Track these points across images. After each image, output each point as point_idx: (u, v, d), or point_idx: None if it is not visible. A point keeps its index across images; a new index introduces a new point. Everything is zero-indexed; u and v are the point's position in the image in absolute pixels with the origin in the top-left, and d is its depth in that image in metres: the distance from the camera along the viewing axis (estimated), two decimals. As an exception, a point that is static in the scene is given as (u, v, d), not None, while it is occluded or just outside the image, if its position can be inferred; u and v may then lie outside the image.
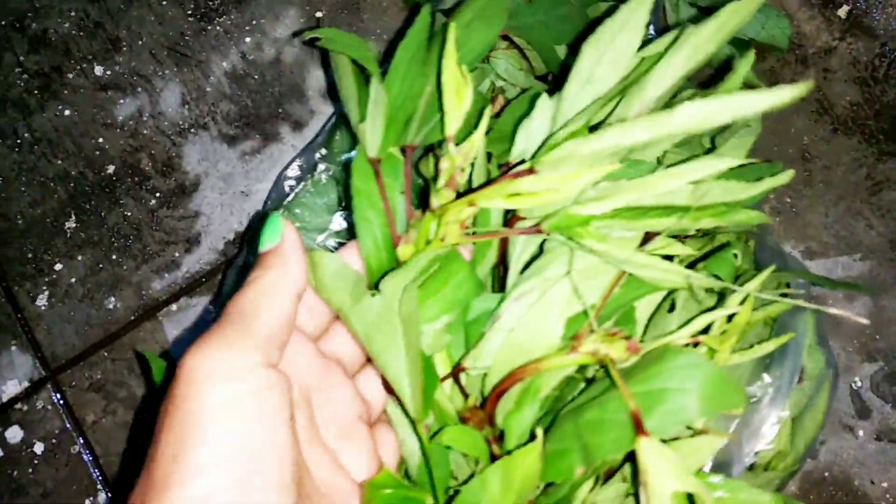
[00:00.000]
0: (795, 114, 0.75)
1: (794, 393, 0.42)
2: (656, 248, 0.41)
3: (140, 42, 0.77)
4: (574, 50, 0.66)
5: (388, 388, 0.40)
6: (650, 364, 0.33)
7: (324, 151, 0.59)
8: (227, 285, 0.59)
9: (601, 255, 0.38)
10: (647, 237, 0.40)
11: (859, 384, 0.67)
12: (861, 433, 0.66)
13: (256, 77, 0.76)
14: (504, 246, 0.43)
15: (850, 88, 0.75)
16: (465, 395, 0.39)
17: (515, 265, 0.42)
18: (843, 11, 0.76)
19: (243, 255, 0.58)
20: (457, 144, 0.40)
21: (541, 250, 0.41)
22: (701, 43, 0.40)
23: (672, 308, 0.39)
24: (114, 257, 0.72)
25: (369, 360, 0.40)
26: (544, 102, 0.42)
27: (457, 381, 0.40)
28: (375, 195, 0.41)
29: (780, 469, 0.41)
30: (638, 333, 0.40)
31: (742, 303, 0.38)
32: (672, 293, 0.40)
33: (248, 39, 0.77)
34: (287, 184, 0.59)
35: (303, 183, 0.58)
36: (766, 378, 0.41)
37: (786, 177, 0.41)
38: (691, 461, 0.34)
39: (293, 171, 0.60)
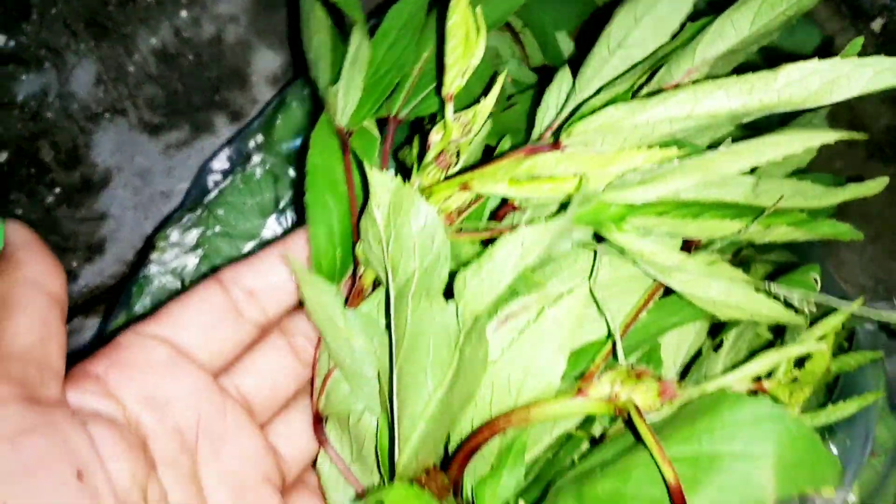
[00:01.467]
0: (823, 136, 0.67)
1: (864, 470, 0.33)
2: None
3: (53, 10, 0.66)
4: (580, 41, 0.57)
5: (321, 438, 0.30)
6: (696, 418, 0.23)
7: (260, 139, 0.48)
8: (111, 317, 0.47)
9: (639, 260, 0.28)
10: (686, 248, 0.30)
11: (903, 459, 0.58)
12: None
13: (191, 58, 0.65)
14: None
15: (887, 109, 0.68)
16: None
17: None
18: (877, 24, 0.70)
19: (131, 280, 0.47)
20: (456, 111, 0.31)
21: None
22: (745, 13, 0.32)
23: (719, 347, 0.29)
24: (-7, 265, 0.60)
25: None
26: (565, 73, 0.33)
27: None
28: (338, 175, 0.32)
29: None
30: (666, 377, 0.30)
31: (821, 339, 0.28)
32: (723, 329, 0.30)
33: (183, 13, 0.66)
34: (212, 178, 0.49)
35: (230, 177, 0.48)
36: (833, 449, 0.31)
37: (879, 184, 0.32)
38: None
39: (220, 162, 0.49)
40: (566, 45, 0.56)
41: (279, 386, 0.30)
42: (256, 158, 0.48)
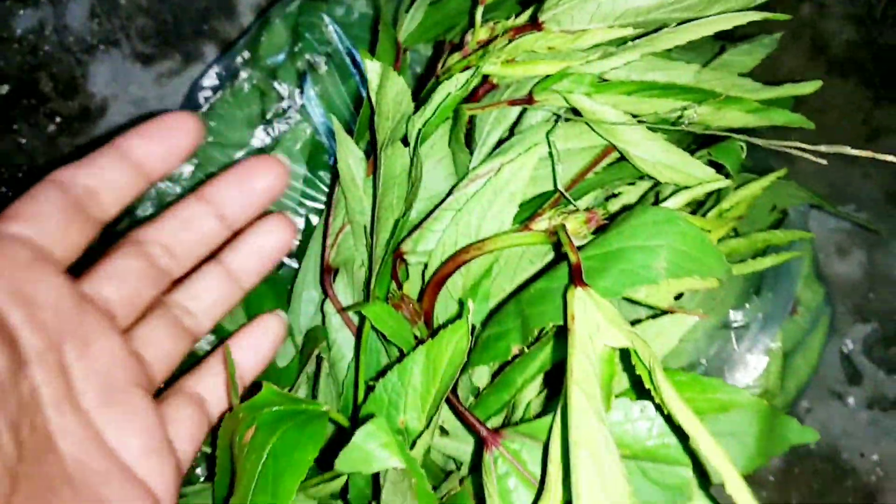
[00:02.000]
0: (786, 51, 0.70)
1: (786, 324, 0.37)
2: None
3: (42, -56, 0.68)
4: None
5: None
6: (611, 229, 0.28)
7: (247, 55, 0.51)
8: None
9: (595, 119, 0.32)
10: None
11: (850, 347, 0.63)
12: (851, 401, 0.62)
13: (180, -11, 0.68)
14: (470, 128, 0.37)
15: (847, 27, 0.71)
16: (399, 285, 0.33)
17: (481, 147, 0.36)
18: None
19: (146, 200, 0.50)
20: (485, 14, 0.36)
21: (510, 134, 0.35)
22: None
23: (656, 202, 0.33)
24: (3, 189, 0.63)
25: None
26: None
27: (393, 269, 0.34)
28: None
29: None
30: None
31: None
32: (657, 186, 0.34)
33: (170, -55, 0.68)
34: (202, 94, 0.52)
35: (220, 92, 0.51)
36: (757, 301, 0.36)
37: (813, 85, 0.36)
38: (656, 346, 0.28)
39: (210, 79, 0.52)
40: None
41: (138, 293, 0.29)
42: (244, 74, 0.50)
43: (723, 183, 0.31)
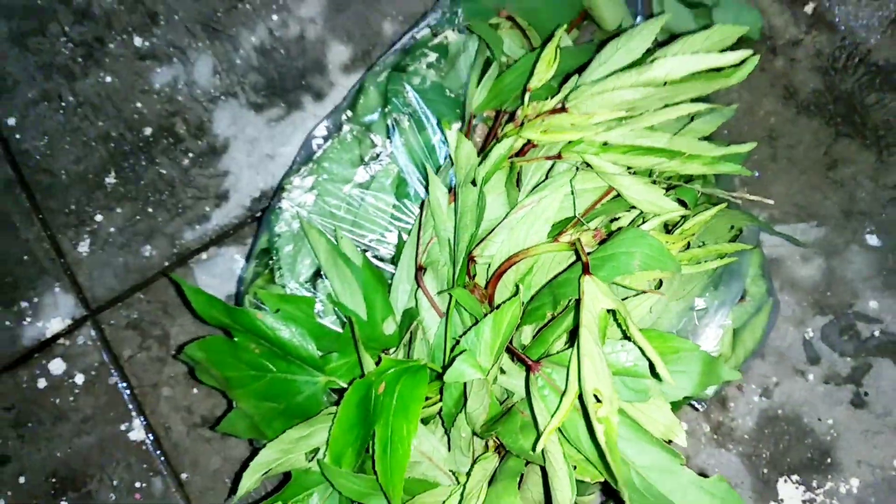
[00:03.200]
0: (764, 97, 0.86)
1: (736, 308, 0.54)
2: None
3: (176, 17, 0.87)
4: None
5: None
6: (610, 241, 0.45)
7: (349, 114, 0.69)
8: (256, 239, 0.70)
9: (600, 170, 0.50)
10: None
11: (811, 335, 0.79)
12: (811, 377, 0.78)
13: (282, 51, 0.86)
14: (518, 173, 0.55)
15: (814, 76, 0.87)
16: (472, 277, 0.51)
17: (526, 186, 0.54)
18: (809, 8, 0.88)
19: (269, 210, 0.69)
20: (531, 97, 0.54)
21: (545, 177, 0.53)
22: (691, 44, 0.53)
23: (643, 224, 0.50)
24: (149, 210, 0.82)
25: None
26: (574, 79, 0.55)
27: (468, 267, 0.52)
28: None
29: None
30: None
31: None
32: (642, 213, 0.51)
33: (275, 17, 0.87)
34: (315, 142, 0.70)
35: (330, 141, 0.69)
36: (714, 292, 0.52)
37: (748, 147, 0.53)
38: (635, 312, 0.46)
39: (321, 131, 0.70)
40: (564, 38, 0.76)
41: None
42: (346, 128, 0.69)
43: (681, 211, 0.49)
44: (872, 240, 0.81)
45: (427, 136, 0.67)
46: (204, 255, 0.81)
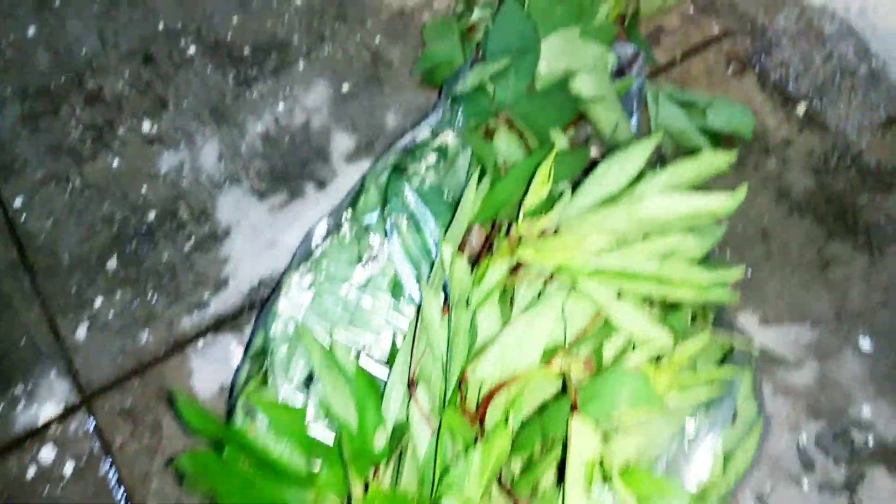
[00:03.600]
0: (757, 196, 0.88)
1: (727, 431, 0.54)
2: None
3: (185, 102, 0.90)
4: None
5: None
6: (599, 376, 0.46)
7: (349, 212, 0.70)
8: (252, 338, 0.70)
9: (593, 297, 0.50)
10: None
11: (805, 440, 0.79)
12: (805, 485, 0.77)
13: (287, 139, 0.88)
14: (512, 290, 0.55)
15: (806, 176, 0.89)
16: (463, 397, 0.51)
17: (519, 303, 0.54)
18: (800, 109, 0.90)
19: (266, 310, 0.69)
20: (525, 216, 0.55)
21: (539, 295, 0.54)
22: (678, 174, 0.54)
23: (634, 348, 0.51)
24: (149, 295, 0.83)
25: None
26: (569, 194, 0.56)
27: (460, 386, 0.52)
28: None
29: (713, 497, 0.52)
30: (608, 362, 0.53)
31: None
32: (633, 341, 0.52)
33: (281, 105, 0.89)
34: (314, 240, 0.71)
35: (329, 239, 0.70)
36: (705, 414, 0.52)
37: (737, 273, 0.53)
38: (622, 446, 0.46)
39: (321, 228, 0.71)
40: (559, 138, 0.78)
41: None
42: (346, 227, 0.70)
43: (668, 340, 0.49)
44: (865, 343, 0.82)
45: (424, 238, 0.68)
46: (200, 342, 0.81)
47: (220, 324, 0.82)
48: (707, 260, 0.62)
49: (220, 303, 0.83)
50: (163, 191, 0.86)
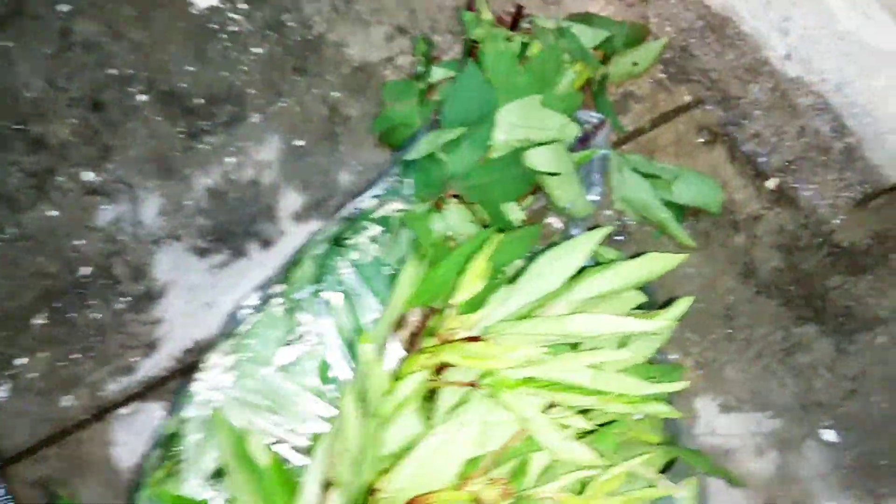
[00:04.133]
0: (724, 273, 0.84)
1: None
2: (556, 418, 0.49)
3: (131, 152, 0.85)
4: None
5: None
6: None
7: (280, 288, 0.66)
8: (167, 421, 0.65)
9: (515, 411, 0.46)
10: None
11: (765, 539, 0.74)
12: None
13: (234, 195, 0.84)
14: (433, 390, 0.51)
15: (775, 254, 0.85)
16: None
17: (440, 409, 0.50)
18: (771, 183, 0.87)
19: (180, 392, 0.64)
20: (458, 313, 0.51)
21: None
22: (621, 275, 0.50)
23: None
24: (75, 356, 0.78)
25: None
26: (505, 290, 0.52)
27: (372, 494, 0.48)
28: None
29: None
30: (531, 483, 0.48)
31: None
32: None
33: (231, 159, 0.85)
34: (243, 313, 0.66)
35: (259, 314, 0.65)
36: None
37: (679, 384, 0.49)
38: None
39: (251, 301, 0.67)
40: (514, 212, 0.74)
41: None
42: (276, 301, 0.65)
43: (598, 463, 0.44)
44: (829, 435, 0.77)
45: (358, 318, 0.64)
46: (125, 410, 0.76)
47: (148, 390, 0.77)
48: (653, 356, 0.57)
49: (150, 367, 0.78)
50: (99, 245, 0.82)
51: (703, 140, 0.87)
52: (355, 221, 0.71)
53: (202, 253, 0.82)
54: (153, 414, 0.76)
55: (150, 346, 0.78)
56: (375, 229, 0.69)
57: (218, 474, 0.59)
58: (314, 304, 0.64)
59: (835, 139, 0.86)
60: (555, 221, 0.84)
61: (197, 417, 0.60)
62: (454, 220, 0.71)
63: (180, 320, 0.79)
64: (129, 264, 0.81)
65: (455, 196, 0.71)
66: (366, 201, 0.72)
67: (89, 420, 0.76)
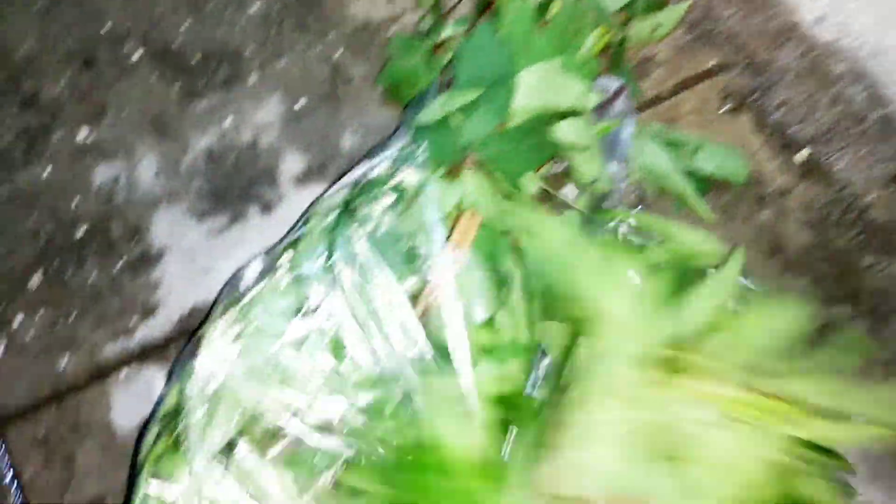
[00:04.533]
0: (748, 250, 0.89)
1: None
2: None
3: (125, 112, 0.93)
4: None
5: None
6: None
7: (288, 256, 0.72)
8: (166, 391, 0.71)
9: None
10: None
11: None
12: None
13: (232, 157, 0.91)
14: None
15: (804, 231, 0.89)
16: None
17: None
18: (802, 155, 0.92)
19: (182, 362, 0.70)
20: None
21: None
22: None
23: None
24: (72, 318, 0.87)
25: None
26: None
27: None
28: None
29: None
30: None
31: None
32: None
33: (229, 120, 0.92)
34: (243, 283, 0.73)
35: (263, 283, 0.72)
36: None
37: None
38: None
39: (252, 271, 0.73)
40: (532, 182, 0.79)
41: None
42: (283, 272, 0.71)
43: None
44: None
45: (373, 294, 0.68)
46: (123, 373, 0.85)
47: (146, 354, 0.85)
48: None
49: (148, 331, 0.86)
50: (95, 206, 0.90)
51: (727, 108, 0.92)
52: (367, 189, 0.75)
53: (200, 216, 0.89)
54: (152, 377, 0.84)
55: (148, 310, 0.87)
56: (388, 199, 0.73)
57: (225, 451, 0.65)
58: (325, 276, 0.69)
59: (870, 109, 0.90)
60: (573, 191, 0.90)
61: (201, 392, 0.67)
62: (471, 189, 0.76)
63: (178, 284, 0.87)
64: (126, 226, 0.89)
65: (474, 163, 0.76)
66: (377, 167, 0.77)
67: (87, 382, 0.85)
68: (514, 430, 0.70)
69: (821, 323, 0.86)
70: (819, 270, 0.89)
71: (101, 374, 0.85)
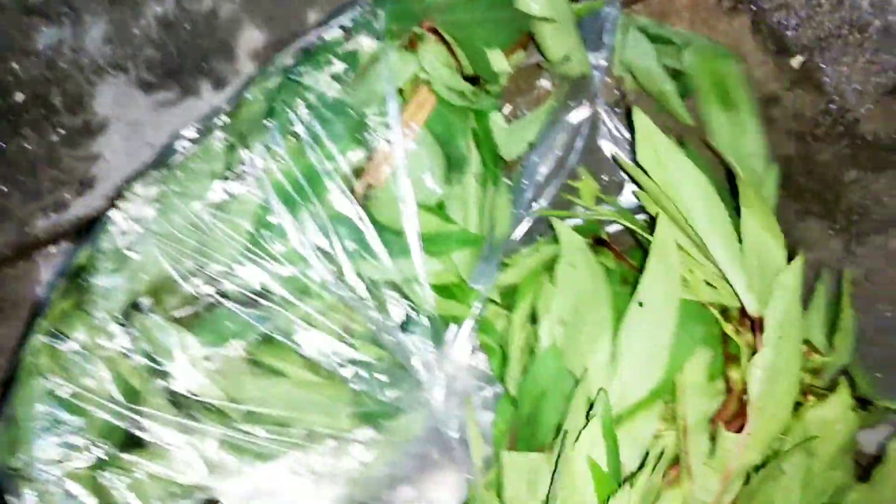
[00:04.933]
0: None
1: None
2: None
3: (74, -29, 0.85)
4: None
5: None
6: None
7: (225, 119, 0.65)
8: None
9: None
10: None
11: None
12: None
13: (188, 27, 0.83)
14: None
15: (788, 142, 0.84)
16: None
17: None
18: (796, 61, 0.85)
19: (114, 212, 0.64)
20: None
21: None
22: None
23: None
24: (3, 188, 0.80)
25: None
26: None
27: None
28: None
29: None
30: None
31: None
32: None
33: (186, -14, 0.84)
34: (181, 144, 0.66)
35: (195, 147, 0.65)
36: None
37: None
38: None
39: (190, 132, 0.67)
40: (499, 61, 0.73)
41: None
42: (217, 134, 0.65)
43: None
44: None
45: (310, 163, 0.63)
46: (53, 249, 0.78)
47: (78, 230, 0.79)
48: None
49: (82, 206, 0.79)
50: (35, 71, 0.82)
51: (724, 6, 0.85)
52: (315, 55, 0.69)
53: (148, 87, 0.82)
54: (83, 255, 0.78)
55: (84, 184, 0.80)
56: (338, 66, 0.67)
57: (130, 311, 0.60)
58: (261, 140, 0.64)
59: (875, 16, 0.83)
60: (546, 84, 0.83)
61: (113, 250, 0.61)
62: (429, 61, 0.70)
63: (119, 159, 0.80)
64: (68, 94, 0.82)
65: (432, 31, 0.70)
66: (329, 32, 0.70)
67: (13, 258, 0.78)
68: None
69: (793, 238, 0.81)
70: (799, 184, 0.83)
71: (30, 248, 0.78)
